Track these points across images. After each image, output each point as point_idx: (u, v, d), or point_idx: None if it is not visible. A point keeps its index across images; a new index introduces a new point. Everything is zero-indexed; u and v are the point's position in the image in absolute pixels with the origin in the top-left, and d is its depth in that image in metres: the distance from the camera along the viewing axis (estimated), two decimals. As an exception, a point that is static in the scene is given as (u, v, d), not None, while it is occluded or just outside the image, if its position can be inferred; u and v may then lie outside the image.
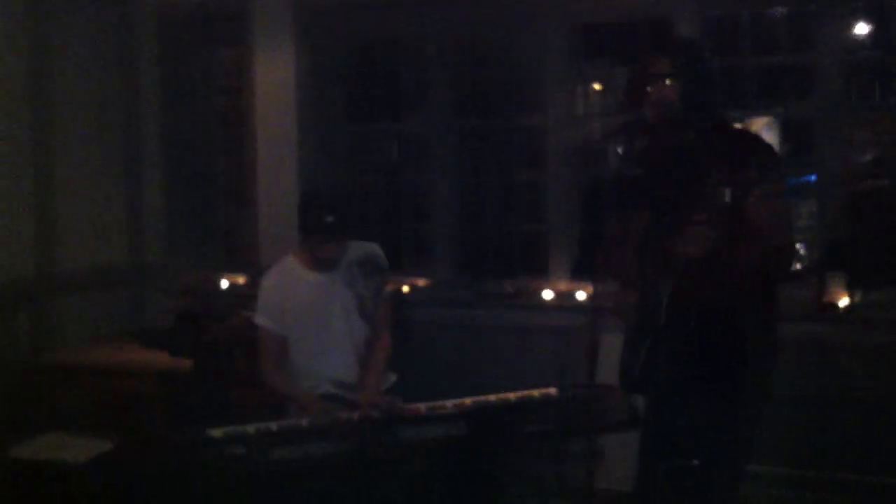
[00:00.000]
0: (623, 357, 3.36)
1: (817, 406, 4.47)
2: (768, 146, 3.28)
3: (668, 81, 3.12)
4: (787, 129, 5.23)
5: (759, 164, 3.00)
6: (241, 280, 5.88)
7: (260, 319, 3.91)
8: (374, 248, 4.02)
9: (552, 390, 3.51)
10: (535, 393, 3.50)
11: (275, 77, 5.65)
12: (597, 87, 5.92)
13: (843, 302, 4.68)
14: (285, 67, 5.64)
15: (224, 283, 5.92)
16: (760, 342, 3.17)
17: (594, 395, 3.31)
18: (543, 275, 5.39)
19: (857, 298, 4.69)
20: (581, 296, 5.10)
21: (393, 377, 4.05)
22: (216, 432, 3.18)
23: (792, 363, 3.43)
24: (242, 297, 5.22)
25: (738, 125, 4.43)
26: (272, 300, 3.90)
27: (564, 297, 5.19)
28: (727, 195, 2.89)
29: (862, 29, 4.97)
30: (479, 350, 5.09)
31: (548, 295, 5.23)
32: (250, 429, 3.23)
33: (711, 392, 3.11)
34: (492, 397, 3.46)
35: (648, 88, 3.16)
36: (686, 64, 3.17)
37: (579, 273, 5.23)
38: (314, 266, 3.89)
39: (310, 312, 3.87)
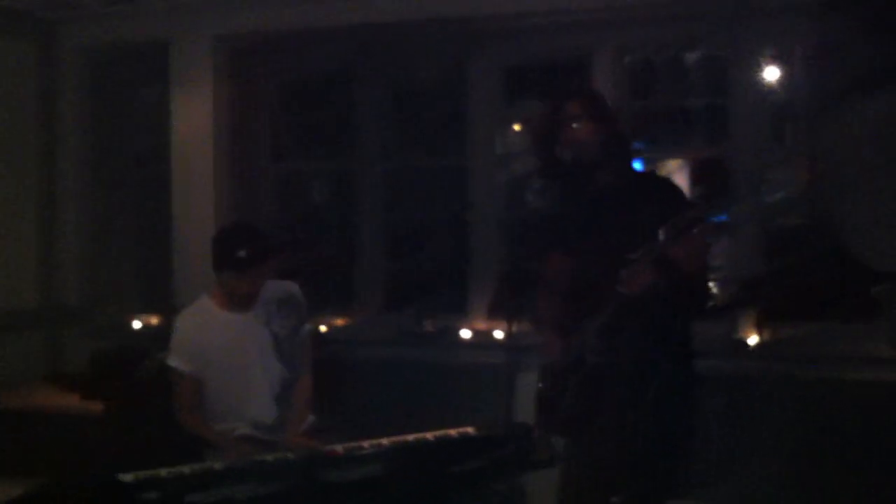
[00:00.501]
0: (543, 396, 3.38)
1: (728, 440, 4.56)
2: (679, 189, 3.36)
3: (578, 124, 3.20)
4: (700, 171, 5.36)
5: (677, 207, 3.07)
6: (155, 321, 5.79)
7: (173, 361, 3.83)
8: (293, 287, 3.98)
9: (470, 429, 3.50)
10: (454, 432, 3.49)
11: (193, 115, 5.60)
12: (516, 128, 6.00)
13: (753, 339, 4.79)
14: (204, 106, 5.59)
15: (137, 324, 5.83)
16: (681, 379, 3.22)
17: (512, 433, 3.32)
18: (463, 314, 5.41)
19: (767, 336, 4.80)
20: (499, 335, 5.12)
21: (312, 418, 4.01)
22: (127, 477, 3.10)
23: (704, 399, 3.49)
24: (157, 338, 5.13)
25: (651, 168, 4.53)
26: (186, 341, 3.83)
27: (483, 336, 5.21)
28: (658, 236, 2.96)
29: (774, 74, 5.12)
30: (399, 388, 5.07)
31: (466, 334, 5.26)
32: (163, 472, 3.15)
33: (633, 430, 3.14)
34: (410, 437, 3.44)
35: (561, 131, 3.22)
36: (598, 109, 3.24)
37: (497, 312, 5.26)
38: (230, 306, 3.83)
39: (226, 353, 3.81)
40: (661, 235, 2.96)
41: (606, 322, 3.13)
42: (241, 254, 3.64)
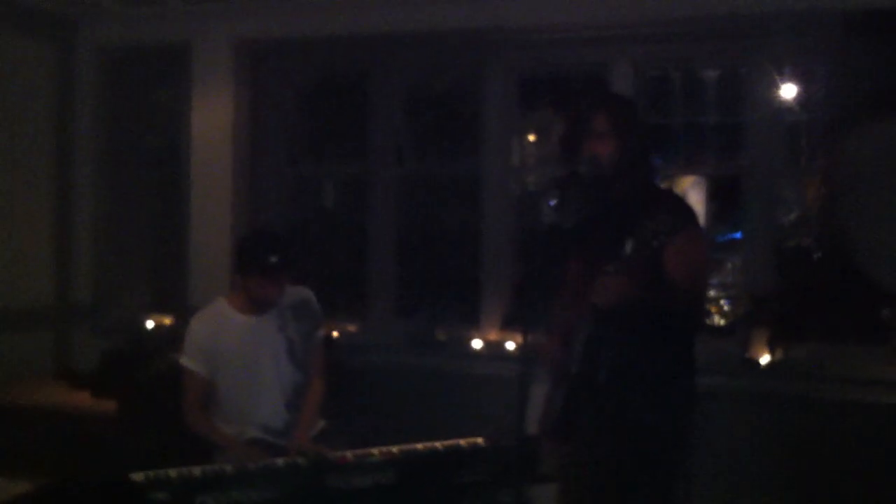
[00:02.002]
0: (545, 407, 3.39)
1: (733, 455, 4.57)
2: (686, 206, 3.35)
3: (603, 138, 3.19)
4: (714, 188, 5.37)
5: (676, 222, 3.04)
6: (167, 321, 5.81)
7: (185, 361, 3.84)
8: (307, 293, 4.00)
9: (480, 440, 3.52)
10: (463, 442, 3.50)
11: (212, 117, 5.63)
12: (531, 138, 6.01)
13: (765, 359, 4.78)
14: (223, 108, 5.62)
15: (150, 324, 5.85)
16: (672, 392, 3.20)
17: (523, 444, 3.32)
18: (475, 323, 5.42)
19: (779, 355, 4.78)
20: (511, 346, 5.13)
21: (322, 423, 4.02)
22: (137, 476, 3.12)
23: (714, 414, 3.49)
24: (169, 339, 5.15)
25: (665, 184, 4.52)
26: (199, 342, 3.84)
27: (494, 347, 5.22)
28: (635, 247, 2.93)
29: (790, 91, 5.13)
30: (409, 396, 5.08)
31: (478, 344, 5.26)
32: (172, 473, 3.17)
33: (624, 440, 3.14)
34: (419, 446, 3.46)
35: (583, 143, 3.22)
36: (622, 122, 3.23)
37: (511, 323, 5.27)
38: (246, 309, 3.85)
39: (239, 356, 3.82)
40: (635, 248, 2.92)
41: (589, 333, 3.14)
42: (273, 259, 3.68)
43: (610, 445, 3.14)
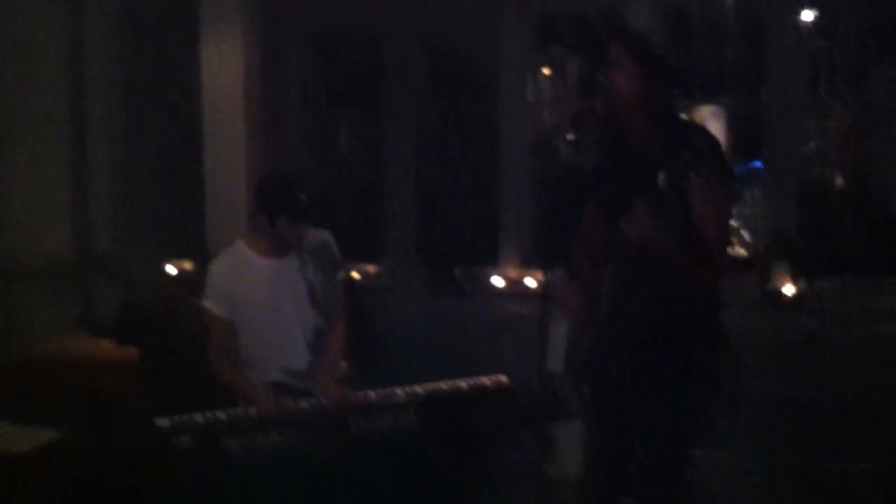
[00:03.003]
0: (568, 346, 3.37)
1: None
2: (715, 140, 3.28)
3: (621, 70, 3.11)
4: (734, 119, 5.29)
5: (704, 158, 2.99)
6: (187, 266, 5.82)
7: (208, 304, 3.81)
8: (327, 236, 3.97)
9: (503, 378, 3.51)
10: (487, 381, 3.49)
11: (223, 67, 5.58)
12: (546, 72, 5.94)
13: (789, 290, 4.74)
14: (233, 57, 5.57)
15: (172, 270, 5.86)
16: (701, 330, 3.17)
17: (545, 382, 3.32)
18: (494, 261, 5.40)
19: (802, 287, 4.75)
20: (531, 283, 5.12)
21: (344, 365, 4.01)
22: (163, 422, 3.13)
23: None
24: (190, 284, 5.16)
25: (685, 115, 4.44)
26: (221, 285, 3.81)
27: (514, 284, 5.21)
28: (665, 184, 2.88)
29: (809, 18, 5.03)
30: (432, 336, 5.09)
31: (498, 282, 5.25)
32: (198, 418, 3.18)
33: (653, 380, 3.12)
34: (443, 385, 3.45)
35: (600, 77, 3.15)
36: (640, 53, 3.15)
37: (531, 261, 5.25)
38: (266, 252, 3.82)
39: (260, 299, 3.80)
40: (665, 184, 2.86)
41: (618, 270, 3.09)
42: (303, 198, 3.64)
43: (642, 383, 3.12)
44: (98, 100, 5.95)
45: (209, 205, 5.65)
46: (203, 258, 4.91)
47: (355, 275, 5.41)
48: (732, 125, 5.15)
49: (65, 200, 5.88)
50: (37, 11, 5.63)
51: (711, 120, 5.37)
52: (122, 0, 5.88)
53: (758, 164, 5.07)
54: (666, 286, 3.08)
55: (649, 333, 3.10)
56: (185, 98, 5.98)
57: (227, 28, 5.56)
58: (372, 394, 3.44)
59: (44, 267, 5.66)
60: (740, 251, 5.40)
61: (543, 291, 3.09)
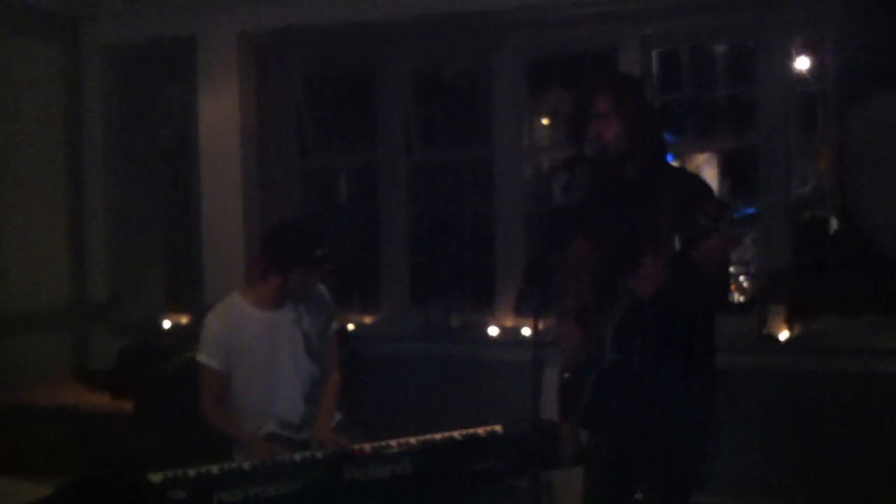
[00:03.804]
0: (566, 387, 3.35)
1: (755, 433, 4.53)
2: (708, 187, 3.30)
3: (608, 119, 3.13)
4: (728, 163, 5.32)
5: (702, 205, 3.00)
6: (184, 319, 5.82)
7: (202, 357, 3.83)
8: (321, 287, 3.99)
9: (498, 427, 3.50)
10: (481, 430, 3.48)
11: (219, 112, 5.61)
12: (545, 121, 5.97)
13: (783, 334, 4.73)
14: (230, 103, 5.60)
15: (166, 323, 5.85)
16: (703, 374, 3.18)
17: (540, 431, 3.30)
18: (490, 310, 5.39)
19: (797, 330, 4.74)
20: (527, 331, 5.10)
21: (339, 416, 4.01)
22: (156, 476, 3.12)
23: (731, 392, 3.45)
24: (186, 337, 5.15)
25: (678, 163, 4.47)
26: (216, 338, 3.83)
27: (511, 333, 5.19)
28: (664, 232, 2.90)
29: (801, 63, 5.07)
30: (426, 385, 5.07)
31: (494, 331, 5.24)
32: (191, 472, 3.17)
33: (658, 425, 3.12)
34: (437, 436, 3.44)
35: (590, 125, 3.17)
36: (625, 102, 3.17)
37: (521, 308, 5.24)
38: (261, 304, 3.84)
39: (256, 351, 3.81)
40: (677, 236, 2.89)
41: (622, 320, 3.10)
42: (319, 252, 3.69)
43: (647, 428, 3.11)
44: (94, 148, 5.98)
45: (206, 256, 5.64)
46: (200, 310, 4.90)
47: (350, 325, 5.40)
48: (726, 171, 5.18)
49: (62, 250, 5.90)
50: (30, 58, 5.69)
51: (706, 165, 5.39)
52: (115, 45, 5.92)
53: (752, 209, 5.10)
54: (673, 333, 3.08)
55: (652, 379, 3.10)
56: (181, 146, 6.02)
57: (224, 73, 5.60)
58: (366, 445, 3.44)
59: (40, 317, 5.66)
60: (738, 297, 5.40)
61: (535, 336, 3.08)
